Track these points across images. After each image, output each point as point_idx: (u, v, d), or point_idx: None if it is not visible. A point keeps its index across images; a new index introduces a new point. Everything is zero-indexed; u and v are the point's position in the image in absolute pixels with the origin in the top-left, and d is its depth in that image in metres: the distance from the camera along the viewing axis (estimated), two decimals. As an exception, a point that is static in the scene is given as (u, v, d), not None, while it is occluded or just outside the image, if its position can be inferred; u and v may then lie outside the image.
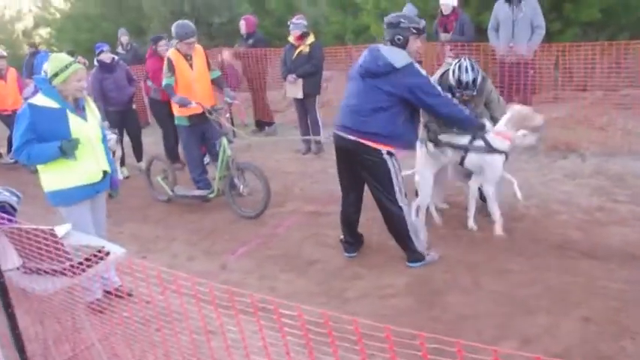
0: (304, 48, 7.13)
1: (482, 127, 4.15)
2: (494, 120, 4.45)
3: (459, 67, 4.26)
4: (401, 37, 3.74)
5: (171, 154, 7.21)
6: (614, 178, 5.51)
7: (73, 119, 3.44)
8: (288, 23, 7.27)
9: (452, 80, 4.27)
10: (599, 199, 5.04)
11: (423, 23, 3.85)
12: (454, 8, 7.25)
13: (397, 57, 3.69)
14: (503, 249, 4.25)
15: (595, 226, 4.50)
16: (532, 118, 4.08)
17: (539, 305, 3.43)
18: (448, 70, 4.38)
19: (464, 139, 4.24)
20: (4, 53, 8.49)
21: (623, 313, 3.28)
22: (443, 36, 7.34)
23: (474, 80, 4.23)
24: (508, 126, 4.15)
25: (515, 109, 4.18)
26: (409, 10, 7.82)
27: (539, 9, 6.55)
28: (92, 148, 3.52)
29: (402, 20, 3.76)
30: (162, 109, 6.83)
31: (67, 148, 3.33)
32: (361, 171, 3.99)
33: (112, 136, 6.54)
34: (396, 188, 3.91)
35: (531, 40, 6.57)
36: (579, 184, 5.46)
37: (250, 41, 8.75)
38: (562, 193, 5.25)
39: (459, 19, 7.21)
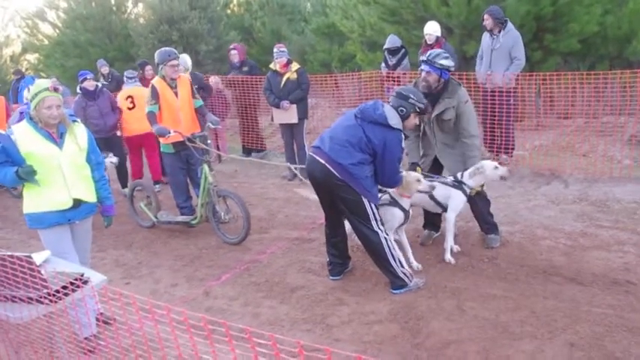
0: (291, 74, 7.29)
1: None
2: (460, 131, 4.49)
3: (438, 51, 4.43)
4: (404, 110, 3.96)
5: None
6: (597, 204, 5.58)
7: (41, 146, 3.40)
8: (275, 50, 7.39)
9: (423, 56, 4.43)
10: (583, 225, 5.09)
11: (427, 106, 4.11)
12: (438, 38, 7.39)
13: (394, 119, 3.92)
14: (488, 274, 4.26)
15: (579, 252, 4.53)
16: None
17: (524, 330, 3.42)
18: (418, 80, 4.56)
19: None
20: None
21: (608, 338, 3.28)
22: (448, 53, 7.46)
23: (451, 67, 4.40)
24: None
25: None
26: (393, 40, 7.98)
27: (519, 41, 6.71)
28: (62, 176, 3.47)
29: (412, 96, 3.98)
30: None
31: (22, 174, 3.33)
32: (335, 198, 4.04)
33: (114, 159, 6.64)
34: (371, 215, 3.97)
35: (509, 69, 6.72)
36: (563, 210, 5.51)
37: (245, 68, 8.87)
38: (546, 219, 5.30)
39: (442, 49, 7.32)
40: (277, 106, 7.35)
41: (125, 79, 7.63)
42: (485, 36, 6.91)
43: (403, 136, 4.00)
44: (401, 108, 3.95)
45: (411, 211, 4.43)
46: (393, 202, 4.31)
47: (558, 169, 6.60)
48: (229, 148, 9.42)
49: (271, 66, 7.48)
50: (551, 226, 5.11)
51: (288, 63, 7.33)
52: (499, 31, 6.71)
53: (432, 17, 8.04)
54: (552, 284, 4.01)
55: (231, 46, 9.24)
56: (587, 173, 6.43)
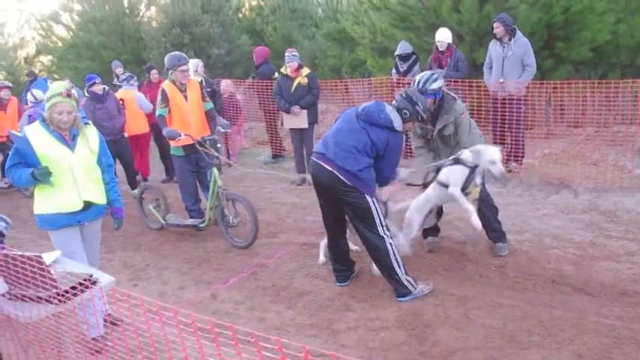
0: (302, 79, 7.29)
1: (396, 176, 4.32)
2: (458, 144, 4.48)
3: (426, 76, 4.42)
4: (407, 114, 4.01)
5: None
6: (607, 214, 5.54)
7: (53, 147, 3.45)
8: (287, 54, 7.38)
9: (413, 87, 4.41)
10: (592, 235, 5.05)
11: (428, 118, 4.26)
12: (449, 44, 7.39)
13: (397, 122, 3.97)
14: (495, 283, 4.24)
15: (587, 262, 4.50)
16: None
17: (531, 340, 3.40)
18: None
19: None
20: (10, 84, 8.61)
21: (616, 349, 3.25)
22: (437, 72, 7.45)
23: (442, 86, 4.43)
24: None
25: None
26: (404, 46, 7.99)
27: (530, 48, 6.70)
28: (73, 178, 3.51)
29: (419, 104, 4.03)
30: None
31: (38, 175, 3.37)
32: (341, 203, 4.04)
33: None
34: (377, 220, 3.97)
35: (521, 77, 6.70)
36: (572, 219, 5.48)
37: (253, 75, 8.95)
38: (555, 228, 5.26)
39: (453, 56, 7.33)
40: (288, 111, 7.34)
41: (121, 81, 7.85)
42: (495, 44, 6.88)
43: (404, 136, 4.07)
44: (405, 111, 3.99)
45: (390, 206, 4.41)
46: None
47: (568, 178, 6.56)
48: (241, 152, 9.47)
49: (282, 70, 7.47)
50: (560, 235, 5.08)
51: (299, 68, 7.33)
52: (509, 39, 6.70)
53: (443, 24, 8.04)
54: (560, 294, 3.99)
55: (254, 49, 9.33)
56: (597, 183, 6.38)
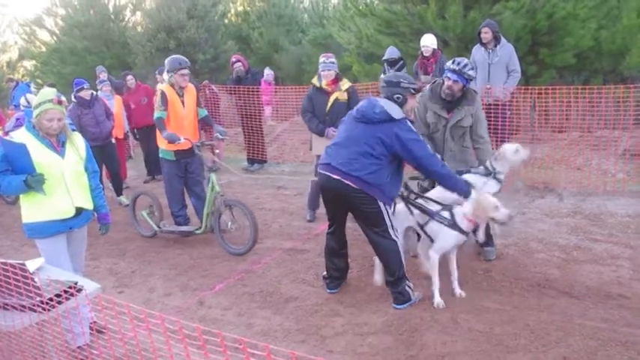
0: (340, 95, 5.77)
1: (468, 194, 3.95)
2: (476, 138, 4.54)
3: (465, 61, 4.39)
4: (400, 96, 3.90)
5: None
6: (591, 217, 5.61)
7: (44, 154, 3.40)
8: (321, 61, 5.88)
9: (452, 65, 4.37)
10: (577, 238, 5.11)
11: (418, 85, 4.08)
12: (434, 50, 7.44)
13: (394, 110, 3.85)
14: (482, 287, 4.26)
15: (572, 265, 4.54)
16: (495, 210, 3.88)
17: (518, 344, 3.42)
18: (437, 81, 4.60)
19: (435, 206, 4.12)
20: None
21: (601, 352, 3.28)
22: (423, 78, 7.51)
23: (472, 78, 4.46)
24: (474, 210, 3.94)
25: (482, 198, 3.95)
26: (391, 51, 8.04)
27: (514, 53, 6.78)
28: (64, 185, 3.47)
29: (402, 80, 3.93)
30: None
31: (31, 183, 3.31)
32: (351, 209, 4.00)
33: None
34: (388, 224, 3.92)
35: (507, 82, 6.77)
36: (557, 223, 5.53)
37: (248, 75, 8.81)
38: (540, 232, 5.32)
39: (438, 62, 7.39)
40: (322, 134, 5.75)
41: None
42: (479, 50, 6.94)
43: (409, 122, 3.89)
44: (397, 96, 3.88)
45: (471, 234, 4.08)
46: (452, 224, 3.97)
47: (553, 183, 6.63)
48: (225, 158, 9.42)
49: (314, 82, 5.90)
50: (546, 239, 5.13)
51: (337, 79, 5.80)
52: (494, 45, 6.77)
53: (428, 30, 8.11)
54: (546, 297, 4.02)
55: (235, 59, 8.99)
56: (582, 187, 6.47)
